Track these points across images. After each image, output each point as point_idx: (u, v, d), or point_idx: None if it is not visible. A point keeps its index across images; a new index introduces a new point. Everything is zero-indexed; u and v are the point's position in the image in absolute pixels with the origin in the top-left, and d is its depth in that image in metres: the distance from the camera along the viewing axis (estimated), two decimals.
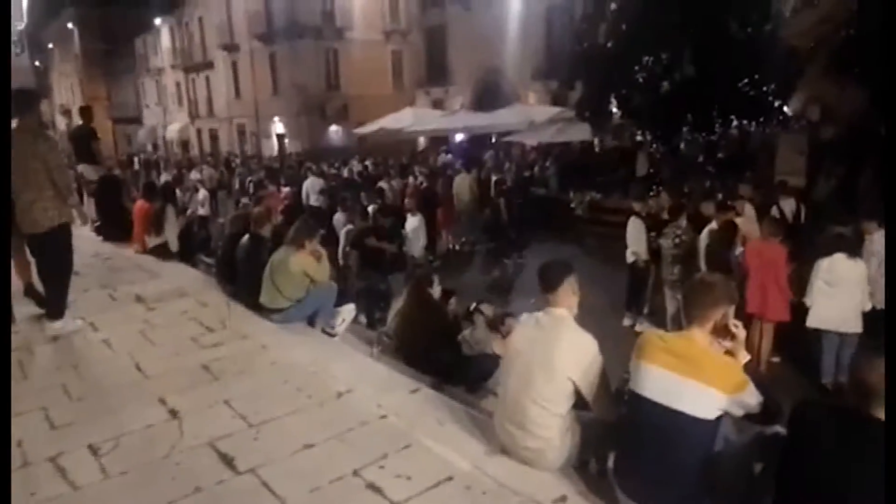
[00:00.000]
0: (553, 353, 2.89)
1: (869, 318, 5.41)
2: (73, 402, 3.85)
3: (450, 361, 4.67)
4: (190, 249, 7.86)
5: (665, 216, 7.50)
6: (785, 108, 13.33)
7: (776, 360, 6.10)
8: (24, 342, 4.73)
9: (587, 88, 14.30)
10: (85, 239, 8.17)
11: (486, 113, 21.41)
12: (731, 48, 11.84)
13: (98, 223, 8.66)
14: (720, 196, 8.72)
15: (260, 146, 33.02)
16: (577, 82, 14.86)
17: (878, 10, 9.81)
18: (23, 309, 5.21)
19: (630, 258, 7.53)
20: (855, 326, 5.40)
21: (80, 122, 9.94)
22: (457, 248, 12.48)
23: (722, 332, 2.62)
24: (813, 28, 12.08)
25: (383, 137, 23.16)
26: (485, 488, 2.87)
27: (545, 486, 2.88)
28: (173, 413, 3.63)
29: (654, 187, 11.43)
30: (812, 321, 5.60)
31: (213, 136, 38.42)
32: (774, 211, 8.08)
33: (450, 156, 20.48)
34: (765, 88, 12.74)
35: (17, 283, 5.22)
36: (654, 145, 15.79)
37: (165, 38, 41.92)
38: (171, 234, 7.78)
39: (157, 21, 41.22)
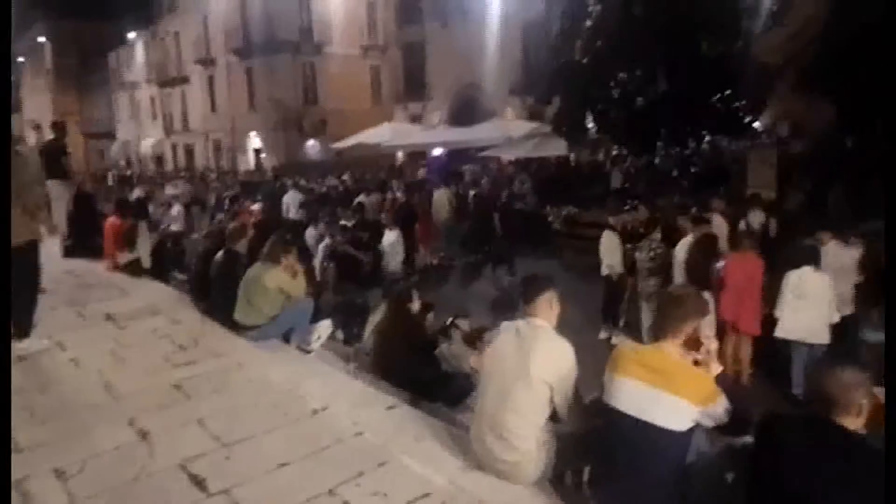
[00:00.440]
0: (531, 358, 2.90)
1: (834, 329, 5.52)
2: (39, 424, 3.73)
3: (429, 378, 4.64)
4: (163, 266, 7.74)
5: (641, 229, 7.60)
6: (756, 124, 13.66)
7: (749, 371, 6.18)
8: None
9: (564, 104, 14.51)
10: (54, 256, 8.01)
11: (463, 128, 21.58)
12: (703, 65, 12.11)
13: (68, 243, 8.49)
14: (694, 209, 8.85)
15: (236, 161, 32.77)
16: (553, 98, 15.08)
17: (846, 29, 10.14)
18: None
19: (605, 271, 7.59)
20: (822, 338, 5.49)
21: (52, 137, 9.76)
22: (434, 262, 12.46)
23: (694, 344, 2.65)
24: (782, 45, 12.44)
25: (361, 152, 23.17)
26: None
27: (521, 501, 2.87)
28: (143, 434, 3.54)
29: (630, 201, 11.58)
30: (780, 332, 5.69)
31: (189, 151, 38.06)
32: (742, 224, 8.21)
33: (428, 170, 20.54)
34: (736, 104, 13.04)
35: None
36: (629, 160, 16.03)
37: (140, 53, 41.57)
38: (143, 251, 7.66)
39: (132, 35, 40.87)
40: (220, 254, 5.88)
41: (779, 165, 11.81)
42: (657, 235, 7.15)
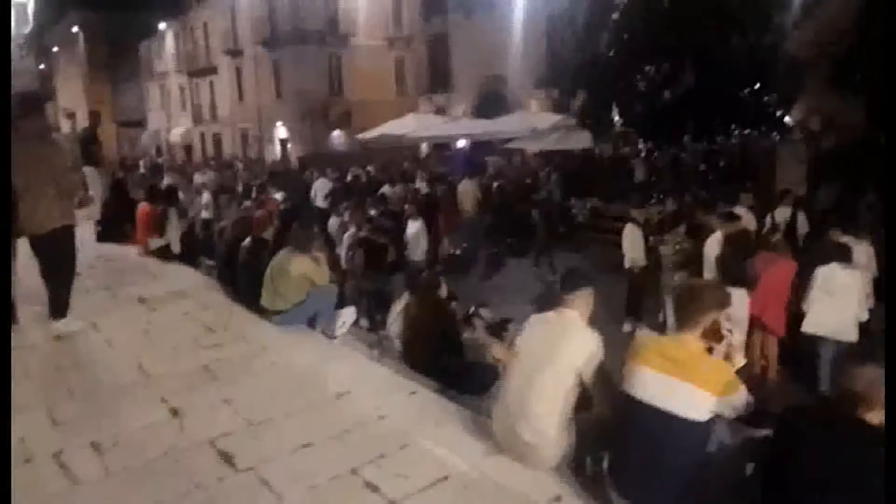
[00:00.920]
0: (560, 344, 2.97)
1: (863, 328, 5.45)
2: (75, 400, 3.89)
3: (453, 365, 4.69)
4: (192, 251, 7.91)
5: (666, 223, 7.57)
6: (786, 118, 13.42)
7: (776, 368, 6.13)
8: (27, 341, 4.77)
9: (589, 97, 14.40)
10: (88, 241, 8.24)
11: (488, 120, 21.49)
12: (732, 58, 11.93)
13: (102, 229, 8.73)
14: (720, 204, 8.75)
15: (263, 151, 33.13)
16: (578, 91, 14.95)
17: (879, 23, 9.88)
18: (26, 308, 5.25)
19: (627, 264, 7.58)
20: (850, 335, 5.42)
21: (87, 126, 10.06)
22: (457, 253, 12.50)
23: (715, 336, 2.67)
24: (814, 39, 12.17)
25: (386, 143, 23.24)
26: (481, 488, 2.91)
27: (541, 487, 2.91)
28: (174, 412, 3.67)
29: (655, 195, 11.48)
30: (807, 327, 5.63)
31: (217, 141, 38.56)
32: (769, 220, 8.11)
33: (451, 162, 20.54)
34: (766, 98, 12.82)
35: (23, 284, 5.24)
36: (655, 154, 15.87)
37: (170, 43, 42.13)
38: (173, 237, 7.84)
39: (162, 26, 41.44)
40: (247, 241, 6.01)
41: (809, 161, 11.61)
42: (682, 230, 7.11)
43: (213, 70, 37.13)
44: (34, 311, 5.28)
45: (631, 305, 7.72)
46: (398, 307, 5.57)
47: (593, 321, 3.20)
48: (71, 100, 49.98)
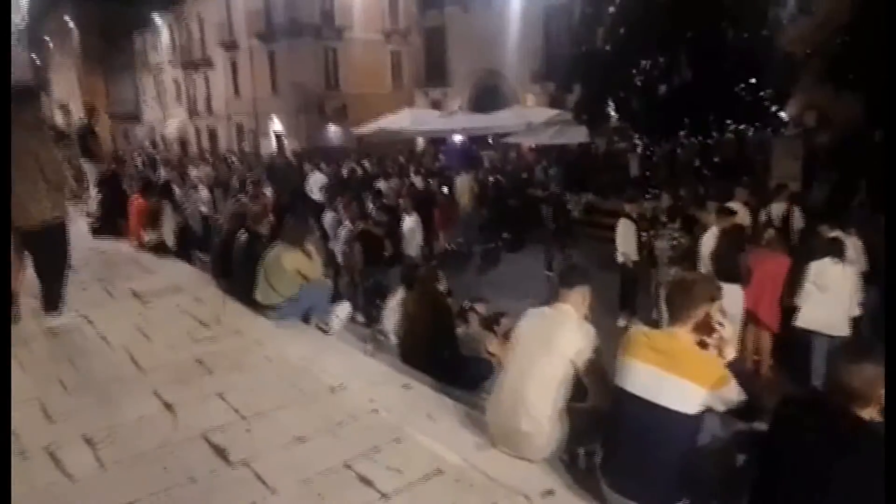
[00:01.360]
0: (554, 336, 3.00)
1: (856, 322, 5.48)
2: (68, 394, 3.88)
3: (449, 358, 4.70)
4: (187, 246, 7.89)
5: (663, 218, 7.59)
6: (781, 114, 13.43)
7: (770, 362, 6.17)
8: (21, 335, 4.75)
9: (585, 91, 14.37)
10: (81, 234, 8.20)
11: (484, 114, 21.47)
12: (728, 53, 11.92)
13: (96, 223, 8.69)
14: (715, 199, 8.77)
15: (258, 144, 33.01)
16: (575, 85, 14.93)
17: (874, 18, 9.90)
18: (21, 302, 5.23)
19: (620, 259, 7.61)
20: (842, 330, 5.46)
21: (83, 118, 10.00)
22: (453, 248, 12.52)
23: (707, 329, 2.68)
24: (809, 35, 12.18)
25: (382, 137, 23.19)
26: (474, 481, 2.92)
27: (533, 480, 2.93)
28: (167, 405, 3.67)
29: (650, 190, 11.50)
30: (800, 322, 5.67)
31: (212, 134, 38.40)
32: (763, 215, 8.13)
33: (447, 156, 20.52)
34: (761, 93, 12.83)
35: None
36: (651, 149, 15.87)
37: (164, 35, 41.87)
38: (167, 231, 7.81)
39: (156, 18, 41.18)
40: (241, 235, 5.99)
41: (804, 157, 11.63)
42: (677, 225, 7.14)
43: (208, 63, 36.94)
44: (27, 304, 5.26)
45: (624, 300, 7.74)
46: (393, 301, 5.59)
47: (588, 316, 3.22)
48: (64, 92, 49.62)
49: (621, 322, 7.64)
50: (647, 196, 10.72)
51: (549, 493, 2.85)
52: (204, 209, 11.42)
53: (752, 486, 2.48)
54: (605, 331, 3.16)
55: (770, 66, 12.21)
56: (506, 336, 4.49)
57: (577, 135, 16.26)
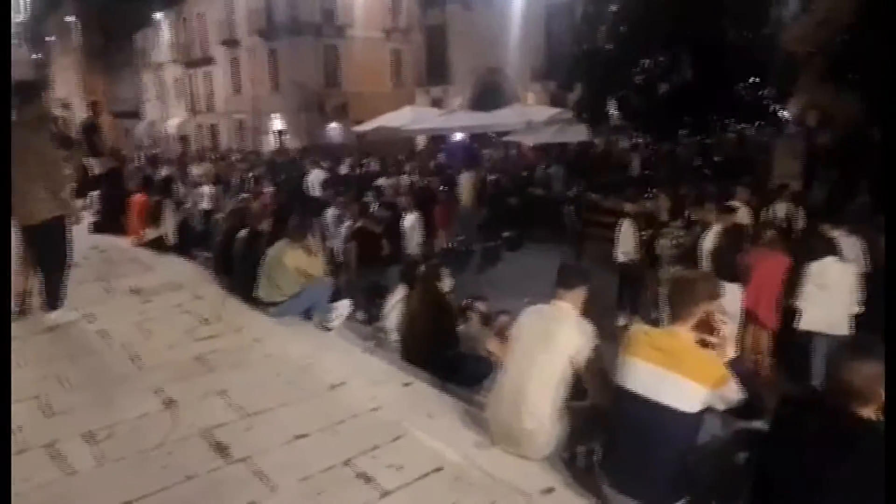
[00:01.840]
0: (554, 333, 3.01)
1: (856, 321, 5.46)
2: (68, 391, 3.88)
3: (450, 357, 4.70)
4: (187, 243, 7.89)
5: (664, 217, 7.58)
6: (782, 113, 13.42)
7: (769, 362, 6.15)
8: (21, 332, 4.76)
9: (586, 90, 14.36)
10: (82, 231, 8.20)
11: (485, 112, 21.43)
12: (729, 52, 11.91)
13: (97, 220, 8.70)
14: (717, 198, 8.76)
15: (259, 142, 33.02)
16: (575, 83, 14.92)
17: (876, 17, 9.87)
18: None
19: (620, 258, 7.62)
20: (842, 329, 5.45)
21: (88, 116, 10.03)
22: (453, 246, 12.50)
23: (708, 328, 2.68)
24: (811, 33, 12.14)
25: (382, 135, 23.17)
26: (473, 479, 2.93)
27: (533, 478, 2.93)
28: (168, 403, 3.67)
29: (650, 189, 11.47)
30: (803, 324, 5.65)
31: (213, 132, 38.41)
32: (767, 214, 8.12)
33: (447, 154, 20.51)
34: (762, 92, 12.81)
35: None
36: (652, 147, 15.86)
37: (165, 33, 41.86)
38: (168, 228, 7.81)
39: (158, 16, 41.16)
40: (243, 232, 6.00)
41: (805, 156, 11.61)
42: (679, 223, 7.13)
43: (209, 61, 36.95)
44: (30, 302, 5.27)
45: (622, 299, 7.75)
46: (394, 299, 5.58)
47: (588, 314, 3.22)
48: (65, 90, 49.61)
49: (621, 321, 7.64)
50: (647, 195, 10.70)
51: (549, 490, 2.85)
52: (205, 206, 11.42)
53: (751, 485, 2.48)
54: (605, 329, 3.17)
55: (771, 66, 12.19)
56: (501, 334, 4.49)
57: (578, 133, 16.24)
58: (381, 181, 13.69)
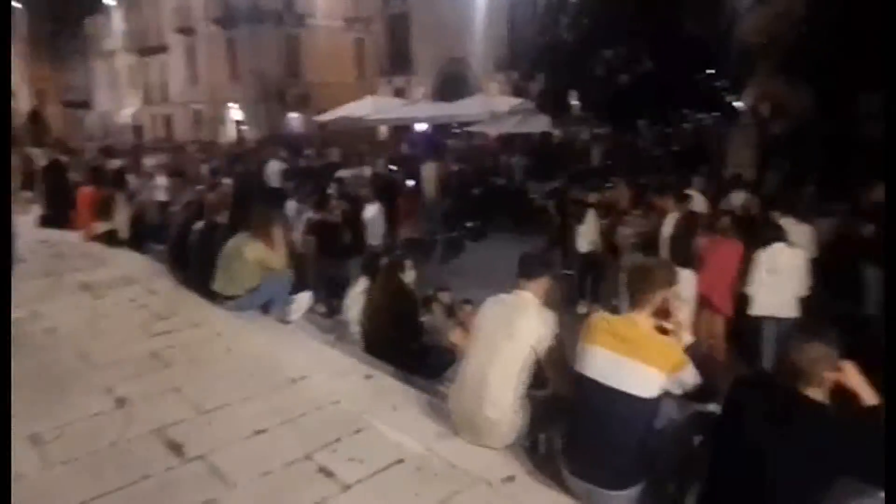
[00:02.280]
0: (515, 323, 3.01)
1: (803, 304, 5.65)
2: (15, 390, 3.70)
3: (413, 348, 4.67)
4: (140, 236, 7.65)
5: (623, 206, 7.70)
6: (737, 103, 13.74)
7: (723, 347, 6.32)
8: None
9: (548, 80, 14.46)
10: (29, 226, 7.90)
11: (447, 103, 21.38)
12: (686, 44, 12.12)
13: (45, 214, 8.37)
14: (674, 187, 8.92)
15: (217, 133, 32.28)
16: (538, 74, 15.00)
17: (829, 11, 10.17)
18: None
19: (582, 247, 7.72)
20: (791, 311, 5.62)
21: (34, 106, 9.61)
22: (416, 236, 12.45)
23: (665, 314, 2.72)
24: (766, 26, 12.44)
25: (344, 126, 22.91)
26: (436, 469, 2.92)
27: (495, 467, 2.94)
28: (120, 401, 3.56)
29: (611, 179, 11.62)
30: (755, 310, 5.81)
31: (168, 122, 37.37)
32: (723, 203, 8.31)
33: (410, 145, 20.41)
34: (718, 83, 13.10)
35: None
36: (612, 138, 16.08)
37: (118, 20, 40.44)
38: (120, 221, 7.56)
39: (109, 1, 39.71)
40: (199, 224, 5.84)
41: (759, 146, 11.92)
42: (639, 212, 7.24)
43: (163, 48, 35.87)
44: None
45: (583, 287, 7.85)
46: (355, 291, 5.52)
47: (549, 304, 3.23)
48: (12, 79, 47.48)
49: (582, 308, 7.74)
50: (608, 185, 10.84)
51: (510, 479, 2.86)
52: (161, 198, 11.10)
53: (707, 467, 2.53)
54: (566, 318, 3.18)
55: (727, 57, 12.47)
56: (463, 325, 4.49)
57: (540, 124, 16.36)
58: (343, 172, 13.51)
